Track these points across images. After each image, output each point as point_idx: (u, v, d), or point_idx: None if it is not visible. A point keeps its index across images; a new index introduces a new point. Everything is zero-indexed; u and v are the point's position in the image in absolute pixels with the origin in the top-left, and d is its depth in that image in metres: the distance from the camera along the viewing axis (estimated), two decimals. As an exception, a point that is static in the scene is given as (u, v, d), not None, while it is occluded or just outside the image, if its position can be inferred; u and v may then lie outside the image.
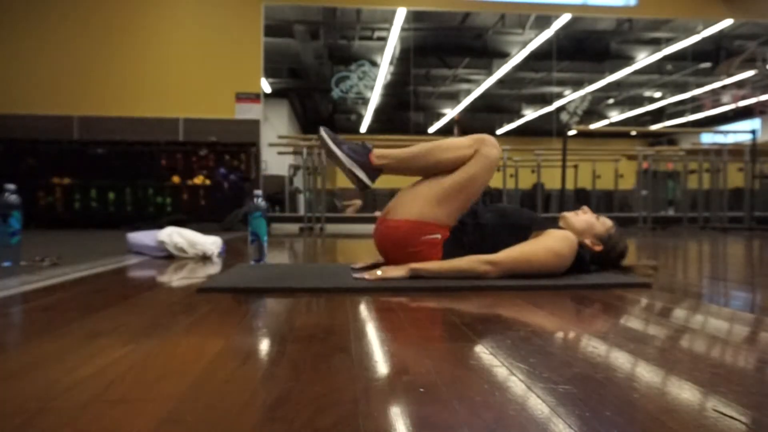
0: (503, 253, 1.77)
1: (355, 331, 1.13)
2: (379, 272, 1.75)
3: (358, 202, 8.63)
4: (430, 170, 1.85)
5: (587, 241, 1.95)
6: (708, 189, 6.77)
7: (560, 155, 6.01)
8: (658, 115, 13.00)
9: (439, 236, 1.80)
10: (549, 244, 1.80)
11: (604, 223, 2.00)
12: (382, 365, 0.90)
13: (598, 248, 1.96)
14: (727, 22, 8.26)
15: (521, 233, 1.86)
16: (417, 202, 1.81)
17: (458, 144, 1.83)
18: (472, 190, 1.81)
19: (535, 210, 7.03)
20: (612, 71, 11.11)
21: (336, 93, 9.16)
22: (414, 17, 8.64)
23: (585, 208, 2.04)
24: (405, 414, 0.68)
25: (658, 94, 12.54)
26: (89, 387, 0.77)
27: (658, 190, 7.89)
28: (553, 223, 1.97)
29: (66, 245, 3.49)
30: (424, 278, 1.73)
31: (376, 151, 1.85)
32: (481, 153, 1.80)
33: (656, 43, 10.09)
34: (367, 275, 1.75)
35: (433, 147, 1.85)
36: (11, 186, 2.28)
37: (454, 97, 12.85)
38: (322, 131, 1.85)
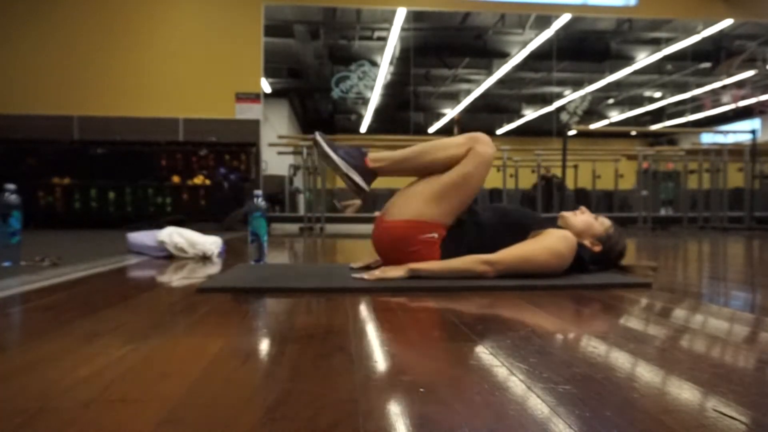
0: (502, 252, 1.77)
1: (355, 331, 1.13)
2: (377, 272, 1.75)
3: (357, 202, 8.63)
4: (425, 170, 1.86)
5: (586, 242, 1.94)
6: (708, 189, 6.78)
7: (560, 155, 6.01)
8: (658, 115, 13.01)
9: (436, 235, 1.80)
10: (548, 244, 1.79)
11: (602, 223, 1.99)
12: (381, 365, 0.90)
13: (597, 248, 1.95)
14: (727, 22, 8.26)
15: (520, 233, 1.85)
16: (413, 202, 1.82)
17: (452, 143, 1.84)
18: (467, 188, 1.82)
19: (535, 210, 7.04)
20: (612, 71, 11.11)
21: (336, 93, 9.17)
22: (414, 17, 8.64)
23: (583, 208, 2.03)
24: (405, 414, 0.68)
25: (658, 94, 12.54)
26: (89, 387, 0.77)
27: (658, 190, 7.90)
28: (553, 223, 1.96)
29: (66, 245, 3.49)
30: (423, 278, 1.73)
31: (372, 155, 1.87)
32: (475, 151, 1.81)
33: (656, 43, 10.09)
34: (366, 275, 1.75)
35: (426, 147, 1.86)
36: (11, 186, 2.28)
37: (454, 97, 12.85)
38: (318, 136, 1.85)
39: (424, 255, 1.80)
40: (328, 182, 8.11)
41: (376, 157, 1.86)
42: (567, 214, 2.00)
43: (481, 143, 1.82)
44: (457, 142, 1.83)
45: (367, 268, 1.97)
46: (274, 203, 7.61)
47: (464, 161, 1.80)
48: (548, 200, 8.68)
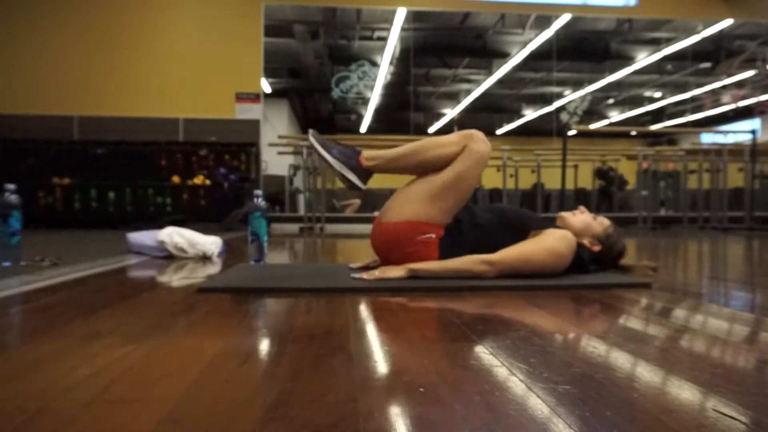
0: (501, 252, 1.77)
1: (355, 331, 1.13)
2: (377, 272, 1.75)
3: (357, 202, 8.60)
4: (421, 168, 1.86)
5: (585, 242, 1.94)
6: (708, 189, 6.78)
7: (560, 155, 6.01)
8: (658, 115, 13.00)
9: (433, 236, 1.80)
10: (547, 244, 1.79)
11: (601, 223, 2.00)
12: (381, 365, 0.90)
13: (597, 248, 1.96)
14: (727, 22, 8.26)
15: (519, 233, 1.85)
16: (411, 203, 1.82)
17: (446, 141, 1.84)
18: (463, 186, 1.82)
19: (535, 210, 7.04)
20: (612, 71, 11.10)
21: (336, 93, 9.16)
22: (414, 17, 8.64)
23: (582, 208, 2.04)
24: (405, 414, 0.68)
25: (658, 94, 12.54)
26: (89, 387, 0.77)
27: (658, 190, 7.89)
28: (552, 223, 1.96)
29: (66, 245, 3.49)
30: (423, 278, 1.73)
31: (366, 153, 1.87)
32: (469, 149, 1.80)
33: (656, 43, 10.08)
34: (365, 275, 1.75)
35: (421, 145, 1.86)
36: (11, 186, 2.28)
37: (454, 97, 12.84)
38: (311, 136, 1.86)
39: (422, 255, 1.80)
40: (328, 182, 8.11)
41: (370, 155, 1.86)
42: (565, 215, 2.00)
43: (476, 140, 1.82)
44: (451, 140, 1.83)
45: (366, 268, 1.97)
46: (274, 203, 7.60)
47: (459, 159, 1.80)
48: (607, 202, 7.84)
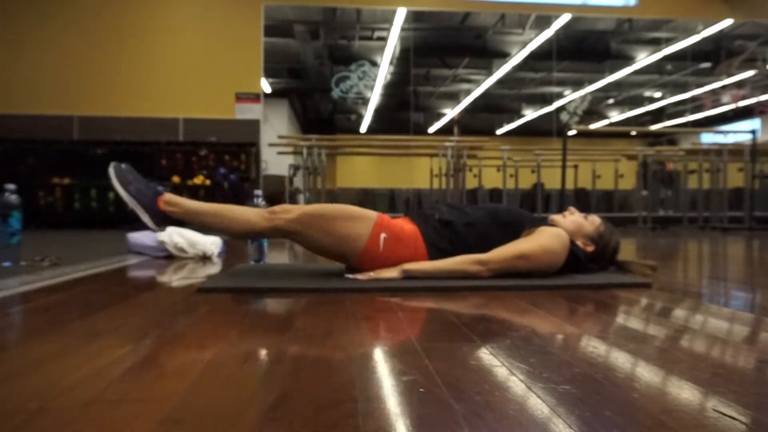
0: (494, 252, 1.76)
1: (355, 331, 1.13)
2: (372, 273, 1.75)
3: None
4: (221, 228, 1.85)
5: (579, 243, 1.93)
6: (708, 189, 6.78)
7: (560, 155, 6.01)
8: (658, 115, 13.01)
9: (384, 234, 1.77)
10: (541, 242, 1.79)
11: (592, 222, 1.98)
12: (381, 365, 0.90)
13: (590, 248, 1.95)
14: (727, 22, 8.26)
15: (513, 232, 1.85)
16: (346, 249, 1.79)
17: (255, 215, 1.80)
18: (328, 211, 1.79)
19: (535, 210, 7.04)
20: (612, 71, 11.10)
21: (336, 93, 9.16)
22: (414, 17, 8.64)
23: (572, 208, 2.02)
24: (405, 414, 0.68)
25: (658, 94, 12.54)
26: (89, 387, 0.77)
27: (658, 191, 7.89)
28: (545, 221, 1.95)
29: (66, 245, 3.49)
30: (416, 278, 1.73)
31: (166, 197, 1.82)
32: (292, 215, 1.76)
33: (656, 43, 10.08)
34: (360, 276, 1.75)
35: (230, 210, 1.83)
36: (11, 186, 2.28)
37: (454, 97, 12.84)
38: (111, 170, 1.82)
39: (411, 255, 1.79)
40: (329, 182, 8.10)
41: (170, 200, 1.82)
42: (556, 218, 1.98)
43: (284, 210, 1.78)
44: (257, 217, 1.79)
45: None
46: (274, 203, 7.60)
47: (298, 222, 1.75)
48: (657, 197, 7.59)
